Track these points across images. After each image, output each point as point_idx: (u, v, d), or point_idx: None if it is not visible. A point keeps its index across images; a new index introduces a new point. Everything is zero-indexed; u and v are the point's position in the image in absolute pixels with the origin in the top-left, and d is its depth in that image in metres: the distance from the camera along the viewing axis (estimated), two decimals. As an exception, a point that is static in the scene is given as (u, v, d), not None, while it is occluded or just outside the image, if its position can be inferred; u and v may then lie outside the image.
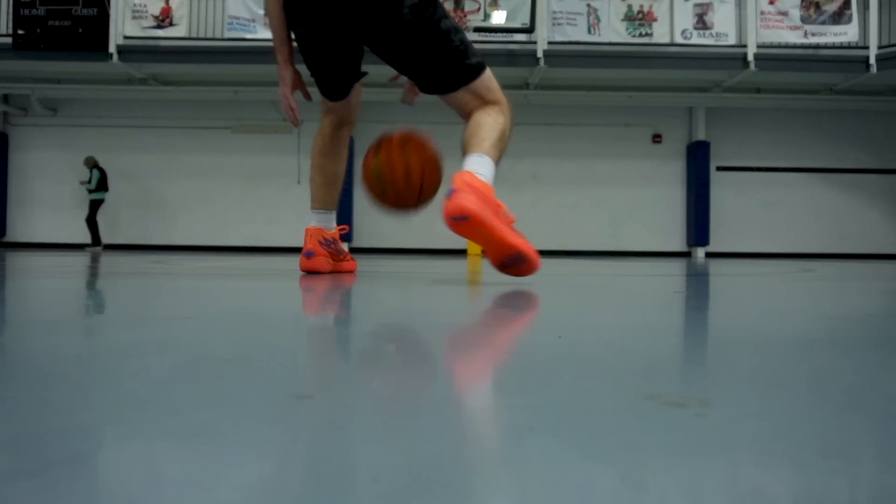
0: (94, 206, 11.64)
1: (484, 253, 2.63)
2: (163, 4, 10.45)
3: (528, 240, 2.31)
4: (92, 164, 11.66)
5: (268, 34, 10.96)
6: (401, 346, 0.98)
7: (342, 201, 11.81)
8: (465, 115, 2.62)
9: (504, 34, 10.32)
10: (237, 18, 10.37)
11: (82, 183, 11.75)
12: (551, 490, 0.41)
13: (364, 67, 2.98)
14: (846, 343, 1.12)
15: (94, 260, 5.45)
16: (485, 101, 2.59)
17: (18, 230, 12.48)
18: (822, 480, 0.43)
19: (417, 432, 0.52)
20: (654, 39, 10.45)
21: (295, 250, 12.81)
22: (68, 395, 0.62)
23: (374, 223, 12.73)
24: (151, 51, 10.55)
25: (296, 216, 12.71)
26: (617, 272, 3.96)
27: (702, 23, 10.49)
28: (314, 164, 2.96)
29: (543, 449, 0.48)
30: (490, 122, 2.51)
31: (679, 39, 10.51)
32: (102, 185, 11.65)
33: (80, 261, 5.17)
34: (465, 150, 2.46)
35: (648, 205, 12.65)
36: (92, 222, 11.61)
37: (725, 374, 0.80)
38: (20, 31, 10.46)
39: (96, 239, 11.59)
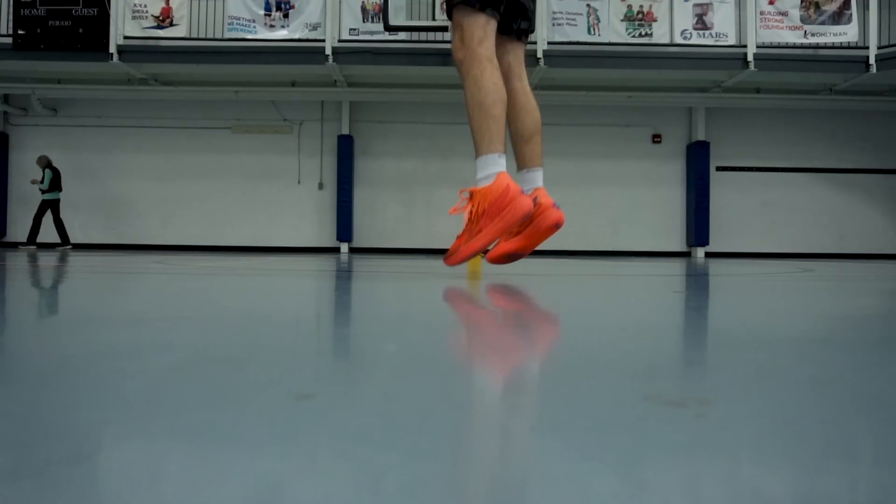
0: (46, 205, 11.43)
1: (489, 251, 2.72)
2: (163, 4, 10.45)
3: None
4: (45, 163, 11.51)
5: (268, 34, 10.78)
6: (401, 347, 0.98)
7: (342, 201, 11.78)
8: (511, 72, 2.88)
9: (504, 34, 10.30)
10: (237, 18, 10.37)
11: (34, 182, 11.65)
12: (551, 490, 0.41)
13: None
14: (846, 343, 1.12)
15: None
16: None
17: (19, 230, 12.47)
18: (822, 480, 0.43)
19: (417, 432, 0.52)
20: (654, 40, 10.45)
21: (294, 250, 12.74)
22: (68, 395, 0.62)
23: (374, 223, 12.74)
24: (151, 51, 10.55)
25: (296, 216, 12.73)
26: (616, 272, 3.96)
27: (701, 23, 10.49)
28: (497, 98, 2.59)
29: (543, 449, 0.48)
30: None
31: (679, 40, 10.51)
32: (56, 184, 11.47)
33: (80, 261, 5.17)
34: (534, 158, 2.89)
35: (648, 205, 12.65)
36: (35, 222, 11.41)
37: (725, 374, 0.80)
38: (20, 31, 10.46)
39: (32, 238, 11.30)
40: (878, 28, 10.49)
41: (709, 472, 0.44)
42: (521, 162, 2.96)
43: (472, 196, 2.54)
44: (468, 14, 2.65)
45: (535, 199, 2.76)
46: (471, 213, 2.52)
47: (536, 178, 2.92)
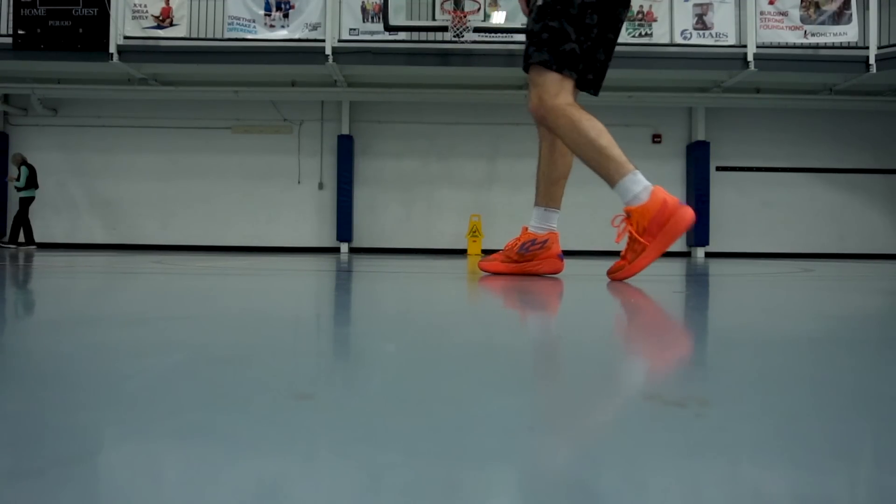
0: (24, 203, 11.44)
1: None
2: (163, 4, 10.45)
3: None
4: (20, 161, 11.49)
5: (268, 34, 10.79)
6: (401, 346, 0.98)
7: (342, 201, 11.74)
8: None
9: (504, 34, 10.32)
10: (237, 18, 10.37)
11: (10, 179, 11.62)
12: (552, 490, 0.41)
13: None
14: (847, 343, 1.12)
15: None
16: None
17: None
18: (822, 480, 0.43)
19: (417, 432, 0.52)
20: (654, 39, 10.45)
21: (294, 250, 12.73)
22: (68, 395, 0.62)
23: (374, 223, 12.74)
24: (151, 51, 10.55)
25: (296, 216, 12.73)
26: (617, 272, 3.95)
27: (701, 23, 10.49)
28: (599, 130, 2.63)
29: (543, 449, 0.48)
30: None
31: (679, 39, 10.51)
32: (31, 182, 11.46)
33: (80, 261, 5.17)
34: (556, 200, 2.99)
35: (648, 205, 12.63)
36: (23, 221, 11.41)
37: (725, 374, 0.80)
38: (20, 31, 10.46)
39: (30, 238, 11.36)
40: (878, 28, 10.49)
41: (709, 472, 0.44)
42: (542, 200, 3.02)
43: (629, 215, 2.55)
44: (543, 72, 2.68)
45: (546, 241, 2.96)
46: (630, 233, 2.55)
47: (554, 218, 3.03)
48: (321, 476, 0.43)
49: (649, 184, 2.54)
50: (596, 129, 2.61)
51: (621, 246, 2.66)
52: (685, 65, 10.61)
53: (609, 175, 2.60)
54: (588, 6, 2.65)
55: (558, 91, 2.67)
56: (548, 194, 3.00)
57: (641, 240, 2.51)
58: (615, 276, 2.66)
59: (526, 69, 2.77)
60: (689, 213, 2.50)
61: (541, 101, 2.69)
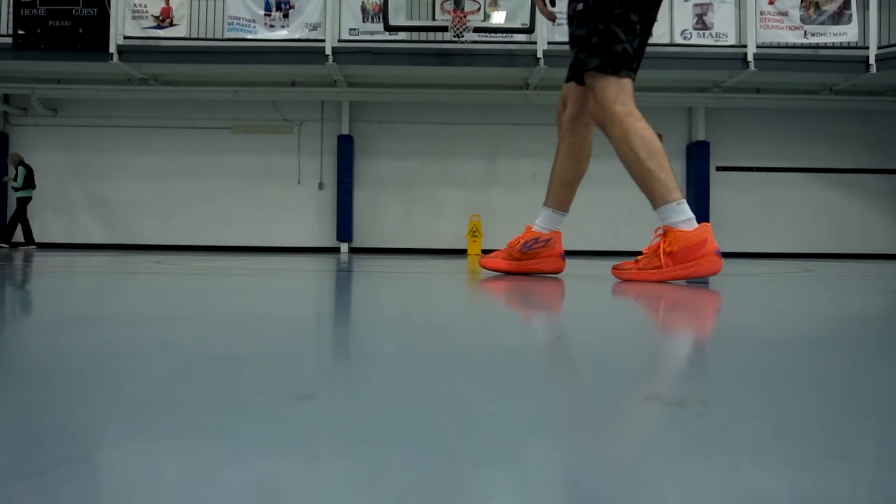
0: (22, 203, 11.44)
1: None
2: (163, 4, 10.45)
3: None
4: (17, 161, 11.48)
5: (268, 34, 10.79)
6: (401, 346, 0.98)
7: (342, 201, 11.74)
8: None
9: (504, 34, 10.33)
10: (237, 18, 10.37)
11: (7, 180, 11.63)
12: (551, 490, 0.41)
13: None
14: (847, 343, 1.12)
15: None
16: None
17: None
18: (822, 480, 0.43)
19: (417, 432, 0.51)
20: (654, 39, 10.39)
21: (294, 250, 12.71)
22: (68, 395, 0.62)
23: (374, 223, 12.74)
24: (151, 51, 10.55)
25: (296, 216, 12.72)
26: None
27: (701, 23, 10.49)
28: (652, 149, 2.62)
29: (543, 449, 0.48)
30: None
31: (679, 39, 10.51)
32: (29, 182, 11.45)
33: (79, 261, 5.17)
34: (566, 203, 3.00)
35: (648, 205, 12.63)
36: (22, 221, 11.38)
37: (725, 374, 0.80)
38: (20, 31, 10.46)
39: (29, 238, 11.38)
40: (878, 28, 10.49)
41: (709, 472, 0.44)
42: (552, 201, 3.01)
43: (666, 233, 2.57)
44: (599, 77, 2.64)
45: (549, 240, 2.97)
46: (658, 246, 2.56)
47: (561, 221, 3.05)
48: (321, 476, 0.43)
49: (693, 217, 2.57)
50: (648, 149, 2.59)
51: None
52: (685, 65, 10.61)
53: (653, 197, 2.62)
54: (630, 4, 2.61)
55: (617, 95, 2.63)
56: (558, 196, 2.98)
57: (662, 259, 2.53)
58: (617, 273, 2.69)
59: (578, 79, 2.72)
60: (717, 264, 2.52)
61: (601, 107, 2.66)
